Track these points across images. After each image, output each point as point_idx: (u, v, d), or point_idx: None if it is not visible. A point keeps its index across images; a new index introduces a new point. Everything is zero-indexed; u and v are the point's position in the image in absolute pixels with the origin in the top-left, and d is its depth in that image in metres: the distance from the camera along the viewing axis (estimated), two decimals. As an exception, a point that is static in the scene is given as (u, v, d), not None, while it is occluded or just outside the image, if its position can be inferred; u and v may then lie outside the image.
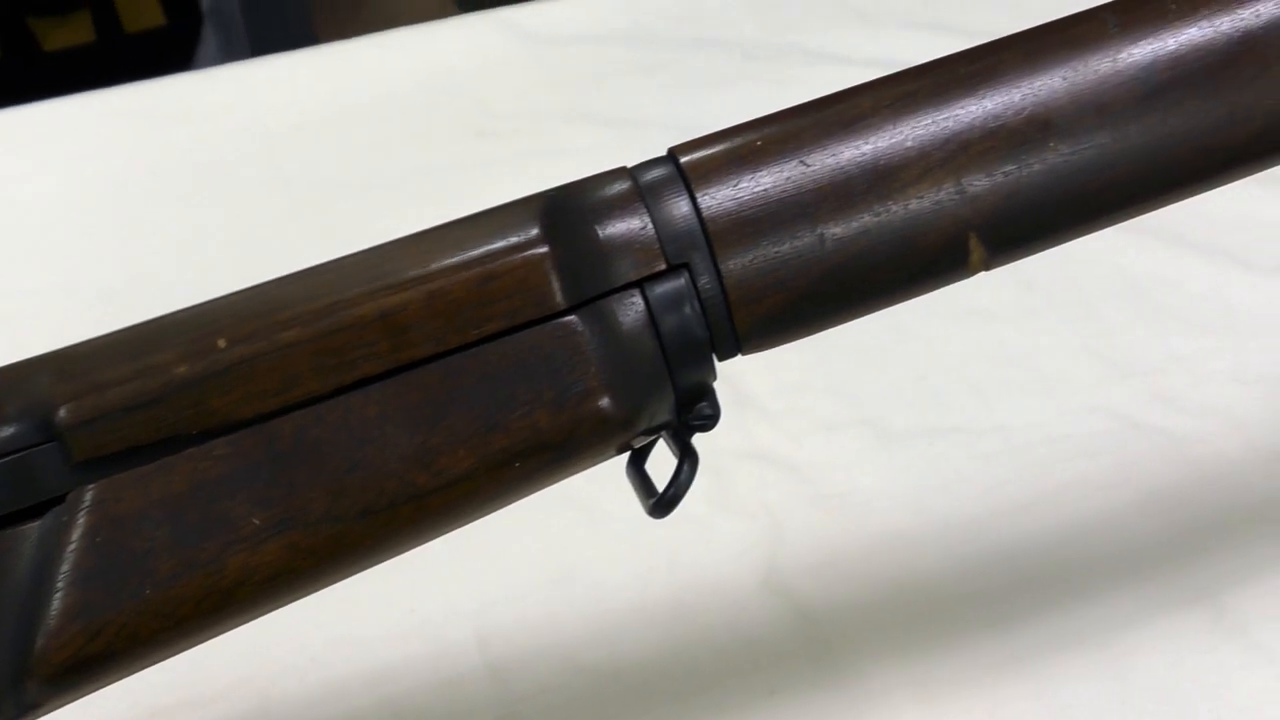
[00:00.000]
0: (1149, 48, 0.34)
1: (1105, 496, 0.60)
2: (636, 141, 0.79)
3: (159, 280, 0.71)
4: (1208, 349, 0.65)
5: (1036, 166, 0.33)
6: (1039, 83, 0.33)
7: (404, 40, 0.83)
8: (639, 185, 0.33)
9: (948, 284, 0.35)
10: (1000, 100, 0.33)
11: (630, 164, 0.35)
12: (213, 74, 0.90)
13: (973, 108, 0.33)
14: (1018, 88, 0.33)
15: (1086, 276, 0.69)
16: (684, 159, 0.33)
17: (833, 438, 0.63)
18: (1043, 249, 0.35)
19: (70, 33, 1.74)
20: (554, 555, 0.58)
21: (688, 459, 0.34)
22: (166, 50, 1.75)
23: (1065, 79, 0.33)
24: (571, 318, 0.32)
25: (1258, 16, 0.34)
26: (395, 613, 0.56)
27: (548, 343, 0.32)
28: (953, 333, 0.66)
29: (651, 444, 0.36)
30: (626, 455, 0.36)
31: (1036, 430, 0.62)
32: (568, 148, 0.76)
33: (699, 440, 0.64)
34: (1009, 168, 0.33)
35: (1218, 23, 0.34)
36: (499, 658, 0.55)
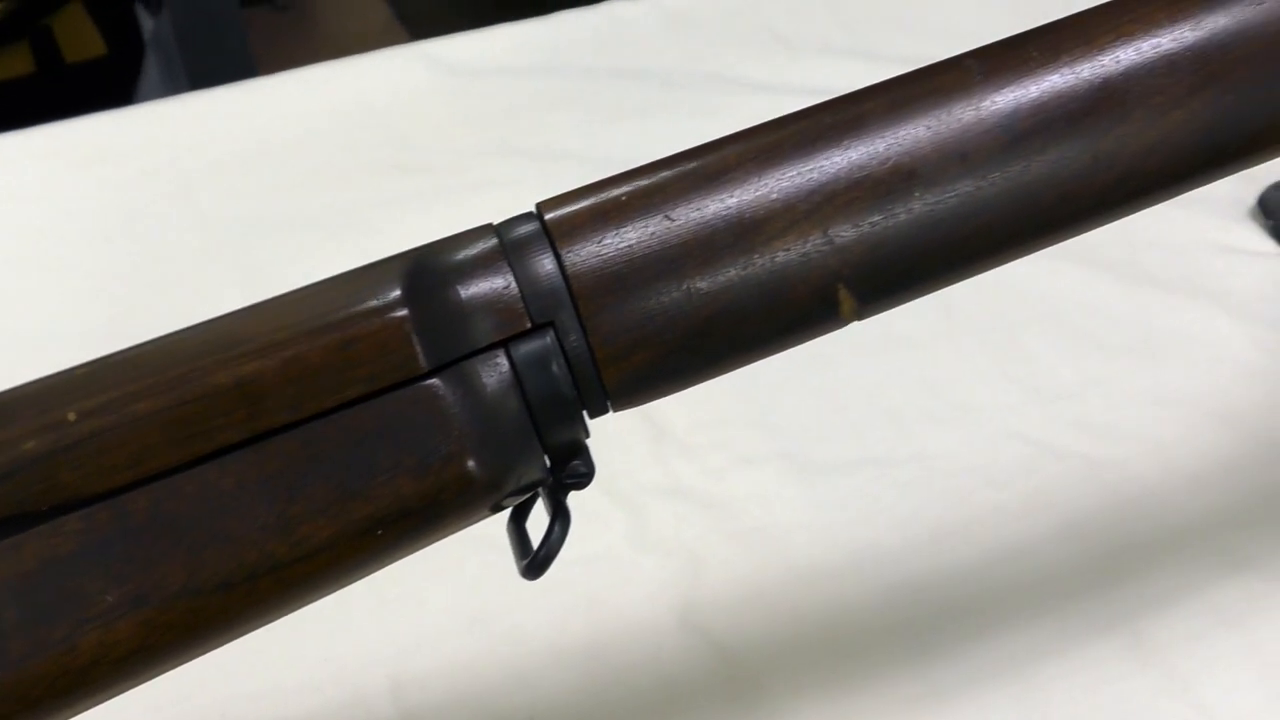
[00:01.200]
0: (1012, 95, 0.33)
1: (1023, 524, 0.60)
2: (556, 174, 0.78)
3: (74, 327, 0.70)
4: (1126, 372, 0.66)
5: (903, 216, 0.33)
6: (903, 132, 0.33)
7: (325, 75, 0.82)
8: (503, 243, 0.33)
9: (821, 334, 0.34)
10: (865, 151, 0.33)
11: (498, 219, 0.34)
12: (138, 110, 0.89)
13: (837, 158, 0.33)
14: (882, 138, 0.33)
15: (1008, 301, 0.69)
16: (549, 216, 0.33)
17: (752, 471, 0.62)
18: (916, 296, 0.35)
19: (10, 64, 1.72)
20: (470, 599, 0.58)
21: (560, 518, 0.34)
22: (109, 81, 1.74)
23: (929, 128, 0.33)
24: (433, 381, 0.31)
25: (1118, 63, 0.34)
26: (308, 662, 0.56)
27: (409, 407, 0.31)
28: (873, 361, 0.66)
29: (530, 501, 0.35)
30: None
31: (955, 459, 0.62)
32: (489, 181, 0.75)
33: (623, 479, 0.64)
34: (875, 218, 0.33)
35: (1079, 70, 0.34)
36: (414, 706, 0.55)
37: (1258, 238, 0.71)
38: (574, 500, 0.60)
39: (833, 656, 0.56)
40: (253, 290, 0.35)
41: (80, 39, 1.77)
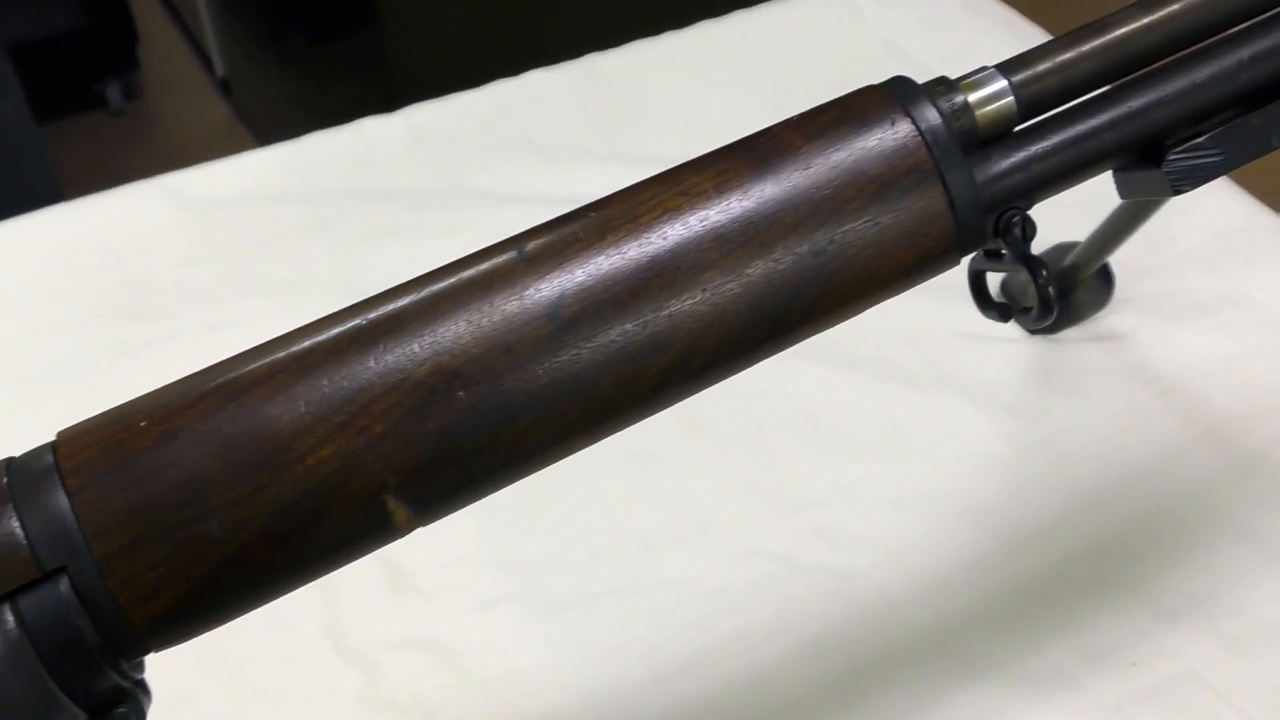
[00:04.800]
0: (556, 282, 0.32)
1: (766, 648, 0.59)
2: (303, 306, 0.76)
3: None
4: (871, 474, 0.65)
5: (447, 418, 0.31)
6: (442, 330, 0.31)
7: (63, 217, 0.79)
8: (11, 483, 0.30)
9: (379, 546, 0.32)
10: (400, 354, 0.31)
11: (18, 453, 0.32)
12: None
13: (372, 364, 0.31)
14: (419, 338, 0.31)
15: (755, 406, 0.68)
16: (63, 448, 0.31)
17: (490, 614, 0.60)
18: (482, 495, 0.33)
19: None
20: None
21: None
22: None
23: (470, 323, 0.32)
24: None
25: (665, 240, 0.32)
26: None
27: None
28: (616, 482, 0.65)
29: None
30: None
31: (698, 584, 0.61)
32: (233, 319, 0.73)
33: (355, 635, 0.60)
34: (418, 422, 0.31)
35: (625, 249, 0.32)
36: None
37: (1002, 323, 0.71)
38: (304, 659, 0.57)
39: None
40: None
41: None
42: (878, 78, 0.94)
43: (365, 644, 0.59)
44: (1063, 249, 0.71)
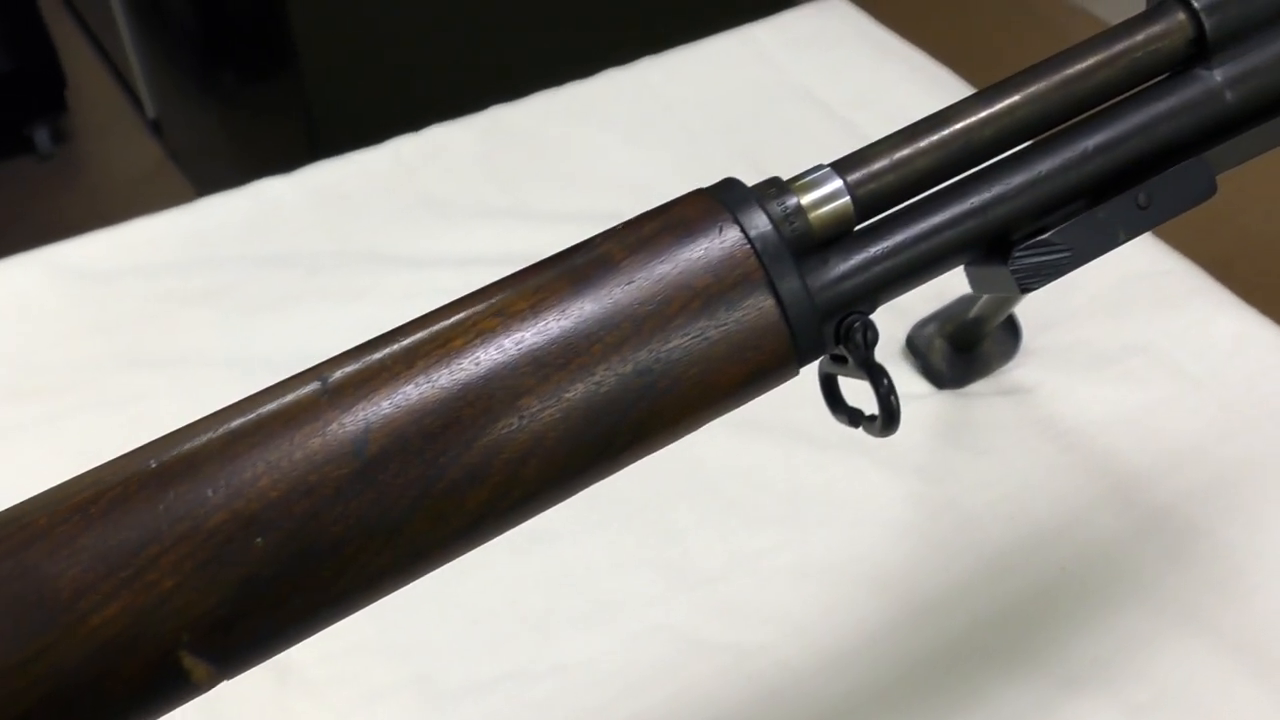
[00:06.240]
0: (361, 415, 0.30)
1: (665, 731, 0.57)
2: (193, 382, 0.74)
3: None
4: (774, 543, 0.63)
5: (245, 568, 0.29)
6: (237, 472, 0.29)
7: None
8: None
9: (179, 705, 0.30)
10: (193, 501, 0.29)
11: None
12: None
13: (161, 512, 0.29)
14: (212, 482, 0.29)
15: (659, 475, 0.66)
16: None
17: (380, 706, 0.58)
18: (292, 644, 0.31)
19: None
20: None
21: None
22: None
23: (268, 463, 0.30)
24: None
25: (478, 365, 0.31)
26: None
27: None
28: (513, 561, 0.63)
29: None
30: None
31: (595, 665, 0.59)
32: (117, 398, 0.70)
33: None
34: (210, 573, 0.29)
35: (435, 377, 0.30)
36: None
37: (909, 378, 0.70)
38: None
39: None
40: None
41: None
42: (786, 122, 0.93)
43: (249, 744, 0.57)
44: (968, 300, 0.70)
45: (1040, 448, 0.66)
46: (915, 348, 0.70)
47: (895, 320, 0.71)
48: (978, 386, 0.69)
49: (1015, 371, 0.70)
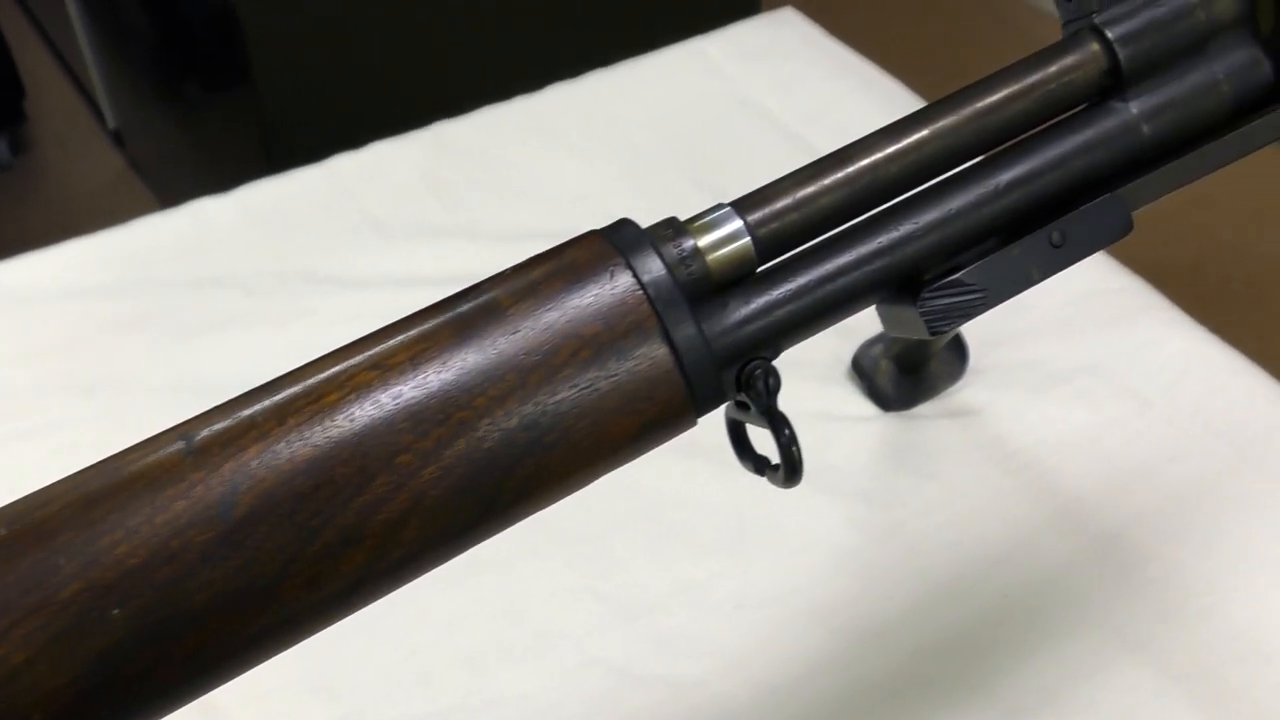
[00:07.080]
0: (228, 476, 0.29)
1: (600, 770, 0.55)
2: (124, 408, 0.72)
3: None
4: (715, 573, 0.62)
5: (101, 640, 0.28)
6: (93, 538, 0.28)
7: None
8: None
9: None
10: (45, 570, 0.28)
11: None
12: None
13: (10, 582, 0.27)
14: (66, 550, 0.28)
15: (601, 503, 0.65)
16: None
17: (307, 748, 0.56)
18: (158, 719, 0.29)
19: None
20: None
21: None
22: None
23: (127, 529, 0.28)
24: None
25: (352, 422, 0.29)
26: None
27: None
28: (446, 590, 0.61)
29: None
30: None
31: (531, 701, 0.57)
32: (47, 425, 0.68)
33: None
34: (67, 647, 0.27)
35: (307, 435, 0.29)
36: None
37: (854, 400, 0.69)
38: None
39: None
40: None
41: None
42: (737, 137, 0.90)
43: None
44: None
45: (987, 471, 0.65)
46: (861, 369, 0.69)
47: (841, 341, 0.70)
48: (924, 409, 0.68)
49: (962, 393, 0.68)
